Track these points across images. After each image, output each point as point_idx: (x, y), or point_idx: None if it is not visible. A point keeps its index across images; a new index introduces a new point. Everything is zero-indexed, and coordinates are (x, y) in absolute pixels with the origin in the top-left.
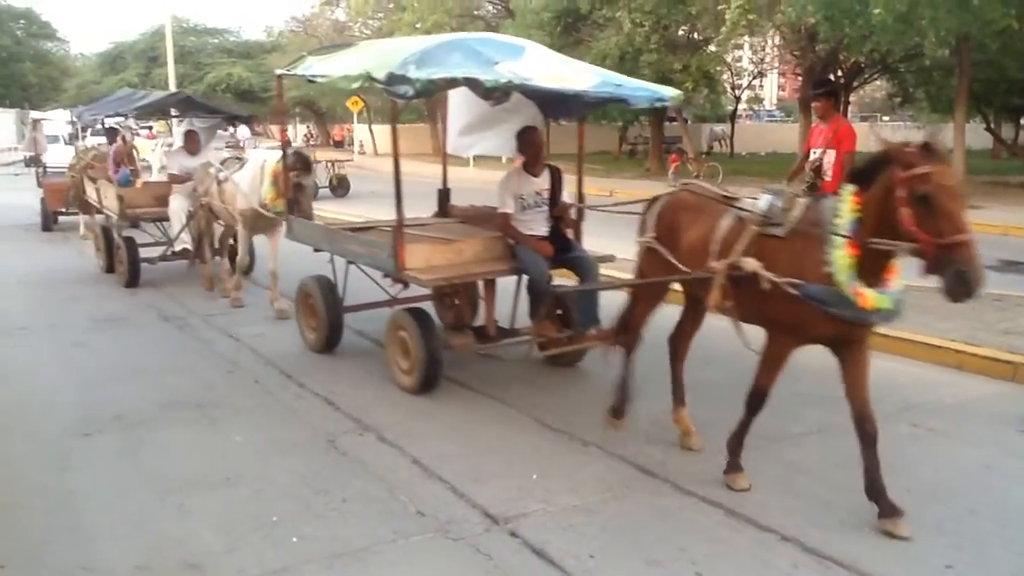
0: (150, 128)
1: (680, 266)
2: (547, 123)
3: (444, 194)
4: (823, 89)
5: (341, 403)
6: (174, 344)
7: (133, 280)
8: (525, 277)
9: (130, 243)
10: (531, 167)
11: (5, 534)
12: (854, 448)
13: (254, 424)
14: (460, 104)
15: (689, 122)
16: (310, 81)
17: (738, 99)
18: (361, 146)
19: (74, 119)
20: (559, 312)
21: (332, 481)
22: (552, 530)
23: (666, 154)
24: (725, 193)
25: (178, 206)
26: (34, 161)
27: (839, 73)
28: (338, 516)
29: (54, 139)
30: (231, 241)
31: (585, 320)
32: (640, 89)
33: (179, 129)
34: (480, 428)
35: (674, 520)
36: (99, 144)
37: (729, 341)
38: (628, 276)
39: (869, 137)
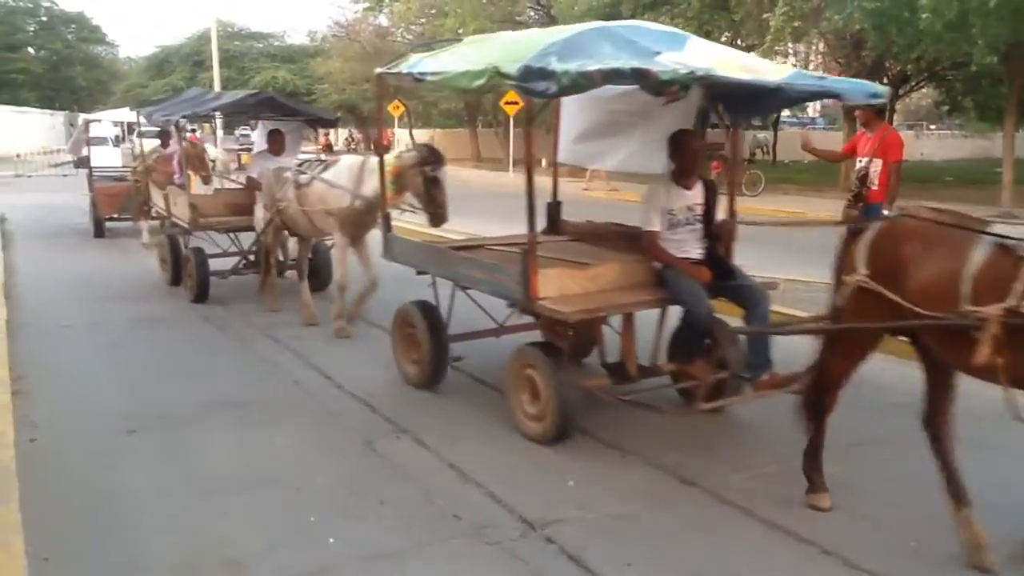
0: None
1: (918, 309)
2: (704, 126)
3: (555, 208)
4: None
5: (379, 406)
6: (215, 344)
7: (202, 295)
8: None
9: (200, 256)
10: (683, 178)
11: (51, 528)
12: (898, 461)
13: (293, 425)
14: (575, 107)
15: (731, 129)
16: (417, 80)
17: None
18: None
19: (141, 120)
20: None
21: (369, 483)
22: (589, 537)
23: (708, 160)
24: (966, 218)
25: (263, 216)
26: (82, 163)
27: (885, 80)
28: (375, 518)
29: (101, 141)
30: (308, 256)
31: (757, 362)
32: (849, 83)
33: (258, 131)
34: (517, 433)
35: (714, 531)
36: (157, 147)
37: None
38: (800, 312)
39: (916, 146)
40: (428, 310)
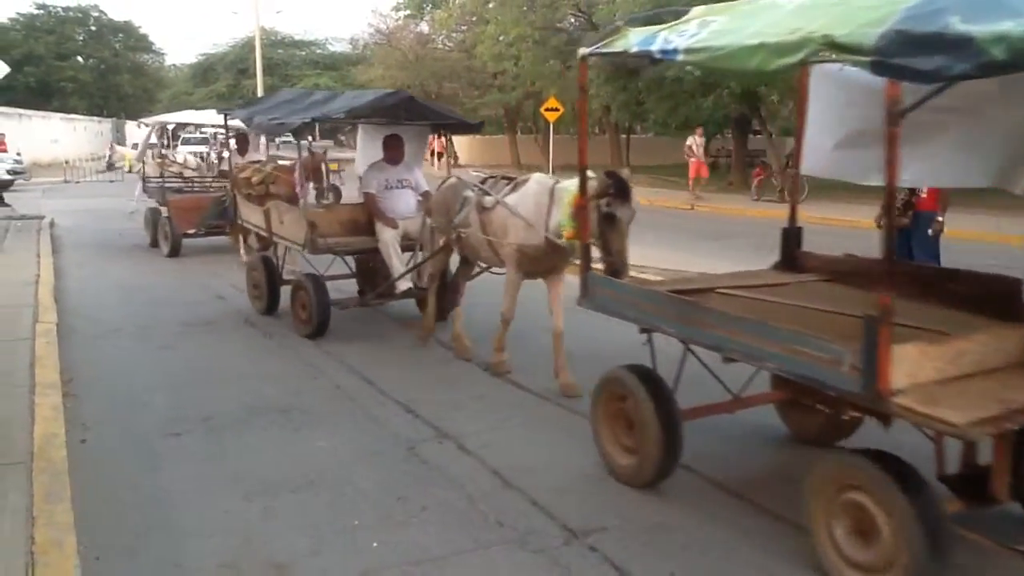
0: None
1: None
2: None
3: (794, 235)
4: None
5: (421, 411)
6: (260, 349)
7: (320, 328)
8: None
9: (319, 285)
10: None
11: (101, 527)
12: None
13: (336, 430)
14: (830, 105)
15: (774, 135)
16: (656, 60)
17: None
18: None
19: (242, 125)
20: None
21: (412, 488)
22: (633, 546)
23: (749, 167)
24: None
25: (391, 237)
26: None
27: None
28: (418, 523)
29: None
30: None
31: None
32: None
33: (362, 137)
34: (560, 442)
35: (760, 541)
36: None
37: None
38: None
39: None
40: (648, 379)
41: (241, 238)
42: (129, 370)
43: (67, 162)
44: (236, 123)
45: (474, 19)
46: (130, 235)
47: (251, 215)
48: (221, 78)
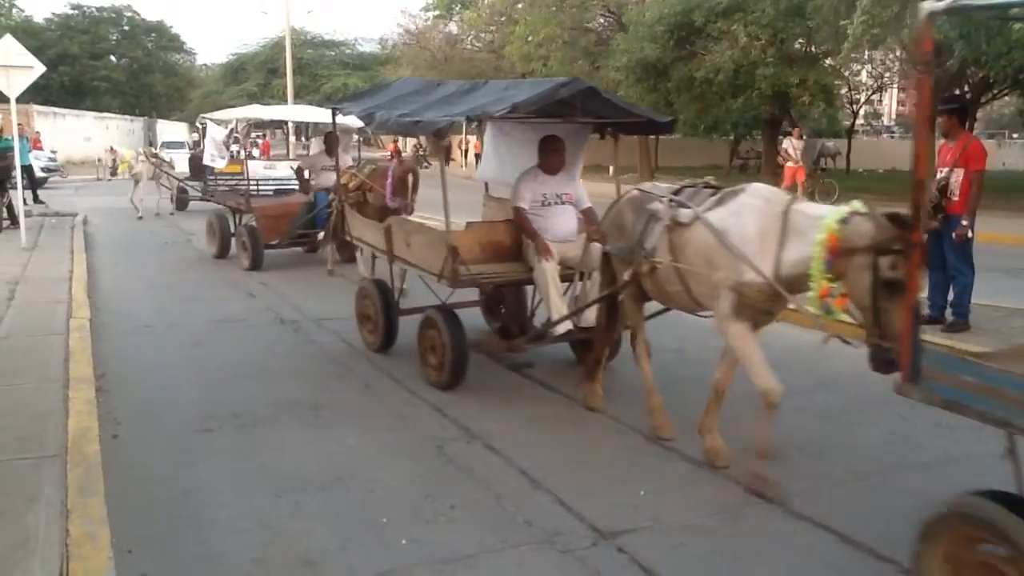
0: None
1: None
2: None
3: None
4: (951, 106)
5: (449, 410)
6: (289, 346)
7: (456, 378)
8: None
9: (454, 323)
10: None
11: (134, 521)
12: (978, 479)
13: (365, 427)
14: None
15: (805, 137)
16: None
17: (855, 114)
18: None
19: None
20: None
21: (440, 487)
22: (661, 548)
23: (779, 168)
24: None
25: (552, 269)
26: (199, 172)
27: (966, 88)
28: (446, 521)
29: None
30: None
31: None
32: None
33: (497, 135)
34: (588, 441)
35: (789, 545)
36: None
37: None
38: None
39: (997, 155)
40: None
41: (331, 249)
42: (160, 366)
43: (99, 160)
44: (321, 119)
45: (503, 19)
46: (163, 234)
47: (365, 232)
48: (251, 78)
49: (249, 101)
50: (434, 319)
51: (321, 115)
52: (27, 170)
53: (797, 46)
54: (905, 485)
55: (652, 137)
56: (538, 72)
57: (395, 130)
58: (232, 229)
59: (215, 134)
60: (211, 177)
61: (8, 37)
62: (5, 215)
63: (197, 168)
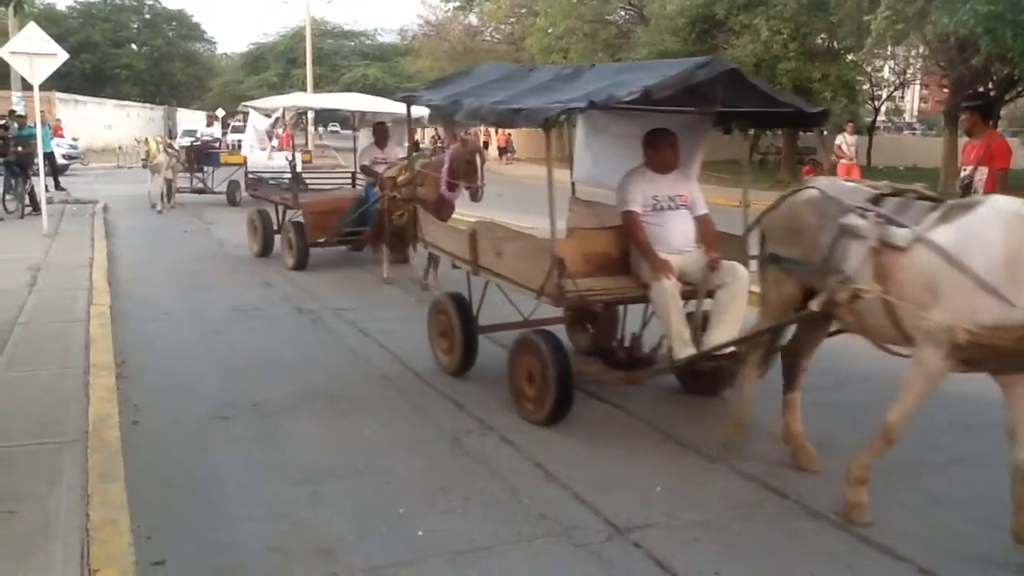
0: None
1: None
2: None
3: None
4: (975, 103)
5: (465, 402)
6: (307, 336)
7: (559, 413)
8: None
9: (559, 351)
10: None
11: (154, 508)
12: (995, 480)
13: (382, 418)
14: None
15: (825, 133)
16: None
17: (877, 110)
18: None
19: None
20: None
21: (456, 479)
22: (676, 544)
23: (799, 165)
24: None
25: (673, 288)
26: (199, 162)
27: (990, 84)
28: (462, 513)
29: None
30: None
31: None
32: None
33: (589, 128)
34: (605, 436)
35: (804, 543)
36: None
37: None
38: None
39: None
40: None
41: (384, 250)
42: (179, 353)
43: (120, 148)
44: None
45: (523, 11)
46: (182, 223)
47: (442, 237)
48: (271, 67)
49: (269, 91)
50: (534, 343)
51: (376, 104)
52: (49, 157)
53: (819, 41)
54: (922, 484)
55: None
56: (558, 64)
57: (488, 119)
58: (275, 226)
59: (258, 123)
60: (251, 172)
61: (32, 25)
62: (27, 202)
63: (199, 158)
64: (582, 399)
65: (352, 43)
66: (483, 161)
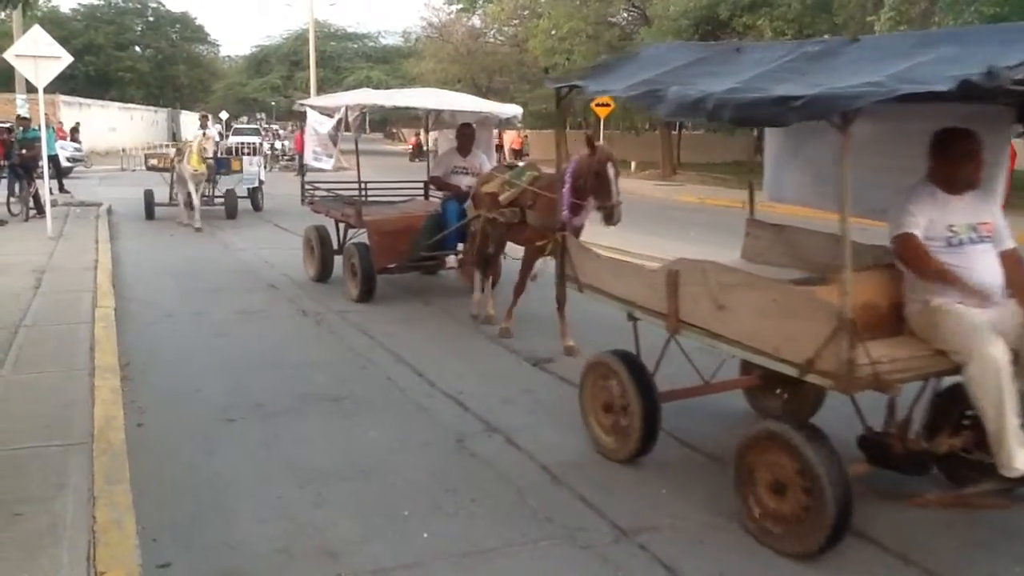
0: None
1: None
2: None
3: None
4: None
5: (470, 404)
6: (311, 338)
7: (836, 539)
8: None
9: (824, 445)
10: None
11: (159, 509)
12: None
13: (387, 420)
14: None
15: None
16: None
17: None
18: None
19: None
20: None
21: (461, 481)
22: (682, 546)
23: None
24: None
25: (1002, 357)
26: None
27: None
28: (467, 515)
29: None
30: None
31: None
32: None
33: (771, 137)
34: None
35: None
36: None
37: None
38: None
39: None
40: None
41: (479, 282)
42: (183, 355)
43: (124, 150)
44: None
45: (526, 13)
46: (187, 225)
47: (611, 278)
48: (275, 70)
49: (273, 93)
50: (783, 436)
51: (459, 102)
52: (53, 160)
53: None
54: (926, 488)
55: (675, 132)
56: (561, 66)
57: (720, 114)
58: (335, 246)
59: (318, 125)
60: (308, 184)
61: (36, 28)
62: (31, 204)
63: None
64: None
65: (355, 45)
66: (617, 172)
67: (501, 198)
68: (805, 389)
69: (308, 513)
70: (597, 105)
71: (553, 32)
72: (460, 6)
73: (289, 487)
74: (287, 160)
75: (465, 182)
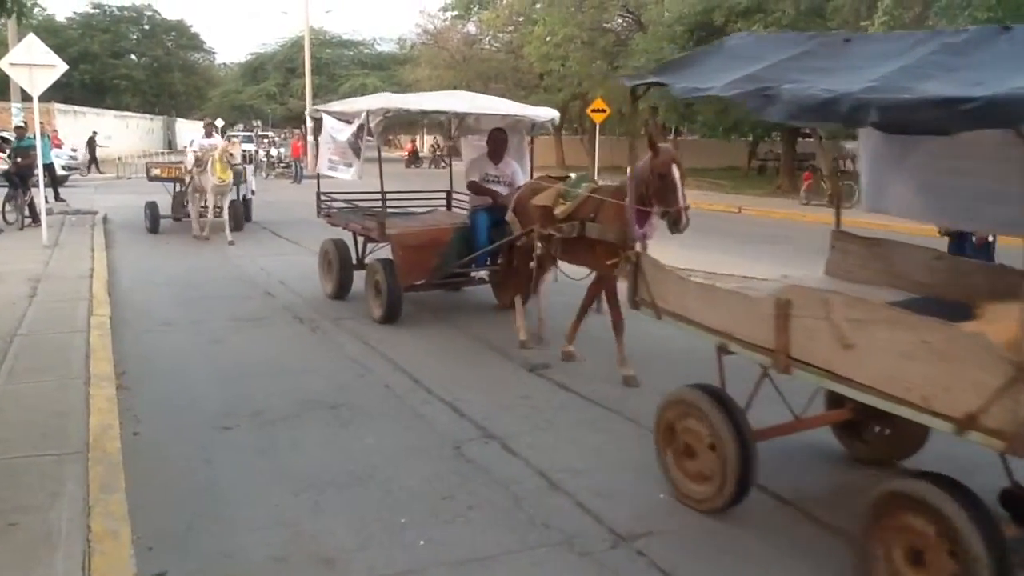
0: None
1: None
2: None
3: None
4: None
5: (467, 410)
6: (308, 345)
7: None
8: None
9: (992, 526)
10: None
11: (155, 518)
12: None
13: (384, 427)
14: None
15: (823, 139)
16: None
17: None
18: None
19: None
20: None
21: (458, 487)
22: (680, 551)
23: (798, 171)
24: None
25: None
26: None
27: None
28: (464, 522)
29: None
30: None
31: None
32: None
33: (865, 139)
34: (606, 444)
35: (808, 551)
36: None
37: None
38: None
39: None
40: None
41: (518, 306)
42: (180, 363)
43: (119, 158)
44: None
45: (521, 20)
46: (182, 233)
47: (702, 306)
48: (271, 77)
49: (268, 101)
50: (924, 499)
51: (489, 105)
52: (48, 168)
53: None
54: None
55: (671, 138)
56: (556, 72)
57: (855, 118)
58: (354, 260)
59: (337, 132)
60: (325, 195)
61: (31, 36)
62: (27, 213)
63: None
64: (584, 405)
65: (351, 53)
66: (683, 174)
67: (557, 211)
68: (911, 427)
69: (305, 521)
70: (592, 111)
71: (548, 38)
72: (455, 13)
73: (286, 495)
74: (283, 167)
75: (496, 191)
